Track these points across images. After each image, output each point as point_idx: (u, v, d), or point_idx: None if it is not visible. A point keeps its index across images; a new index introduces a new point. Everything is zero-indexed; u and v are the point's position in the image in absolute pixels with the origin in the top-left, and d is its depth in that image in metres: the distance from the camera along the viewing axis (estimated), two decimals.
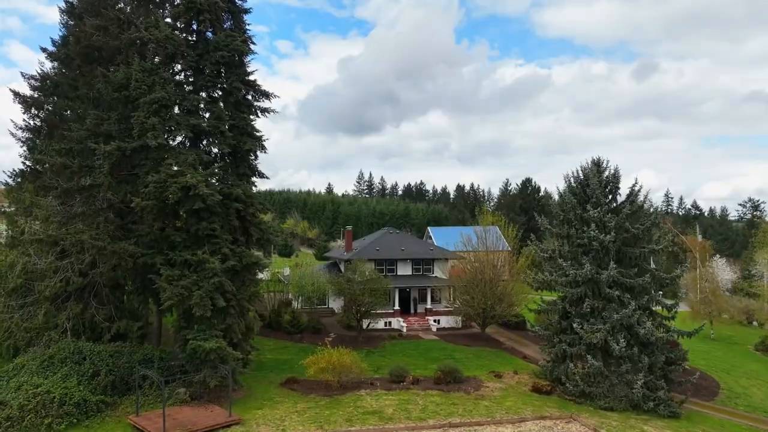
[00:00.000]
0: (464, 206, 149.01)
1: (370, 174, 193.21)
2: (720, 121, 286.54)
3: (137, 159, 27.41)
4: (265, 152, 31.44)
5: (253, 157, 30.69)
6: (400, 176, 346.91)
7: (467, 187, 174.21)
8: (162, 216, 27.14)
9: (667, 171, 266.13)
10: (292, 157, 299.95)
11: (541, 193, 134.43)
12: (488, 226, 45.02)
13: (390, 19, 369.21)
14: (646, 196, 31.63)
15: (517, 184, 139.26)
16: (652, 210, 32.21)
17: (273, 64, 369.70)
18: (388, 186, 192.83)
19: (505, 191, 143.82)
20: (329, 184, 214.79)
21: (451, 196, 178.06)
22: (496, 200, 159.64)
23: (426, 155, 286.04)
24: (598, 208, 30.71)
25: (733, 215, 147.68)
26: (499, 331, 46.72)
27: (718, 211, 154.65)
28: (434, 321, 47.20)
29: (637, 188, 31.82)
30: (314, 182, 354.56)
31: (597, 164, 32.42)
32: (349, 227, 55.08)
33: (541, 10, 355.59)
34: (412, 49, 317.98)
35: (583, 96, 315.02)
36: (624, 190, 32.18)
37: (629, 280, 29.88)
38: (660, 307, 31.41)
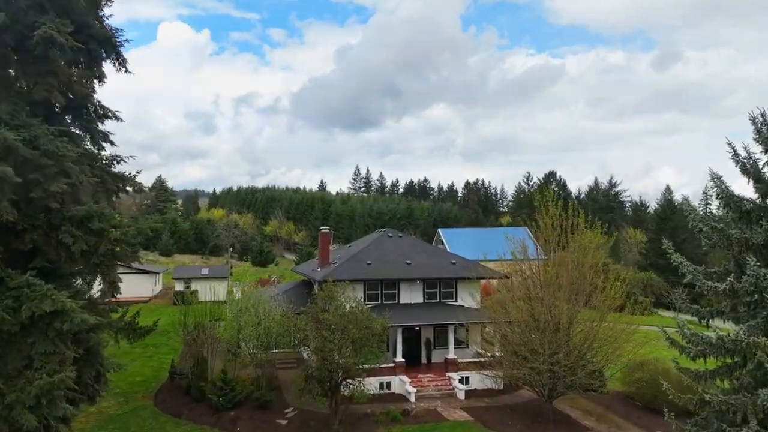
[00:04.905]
0: (477, 204, 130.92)
1: (368, 170, 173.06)
2: (747, 115, 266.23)
3: None
4: (125, 70, 14.88)
5: (75, 69, 12.79)
6: (401, 174, 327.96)
7: (479, 184, 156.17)
8: None
9: (689, 167, 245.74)
10: (284, 154, 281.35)
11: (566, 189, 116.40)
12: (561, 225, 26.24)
13: (391, 5, 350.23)
14: None
15: (539, 179, 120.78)
16: None
17: (265, 53, 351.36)
18: (388, 183, 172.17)
19: (527, 185, 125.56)
20: (321, 181, 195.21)
21: (459, 194, 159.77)
22: (511, 198, 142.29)
23: (429, 152, 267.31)
24: None
25: None
26: (565, 396, 28.74)
27: None
28: (460, 381, 29.07)
29: None
30: (308, 181, 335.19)
31: None
32: (326, 228, 36.26)
33: None
34: (415, 38, 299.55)
35: (599, 87, 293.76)
36: None
37: None
38: None
